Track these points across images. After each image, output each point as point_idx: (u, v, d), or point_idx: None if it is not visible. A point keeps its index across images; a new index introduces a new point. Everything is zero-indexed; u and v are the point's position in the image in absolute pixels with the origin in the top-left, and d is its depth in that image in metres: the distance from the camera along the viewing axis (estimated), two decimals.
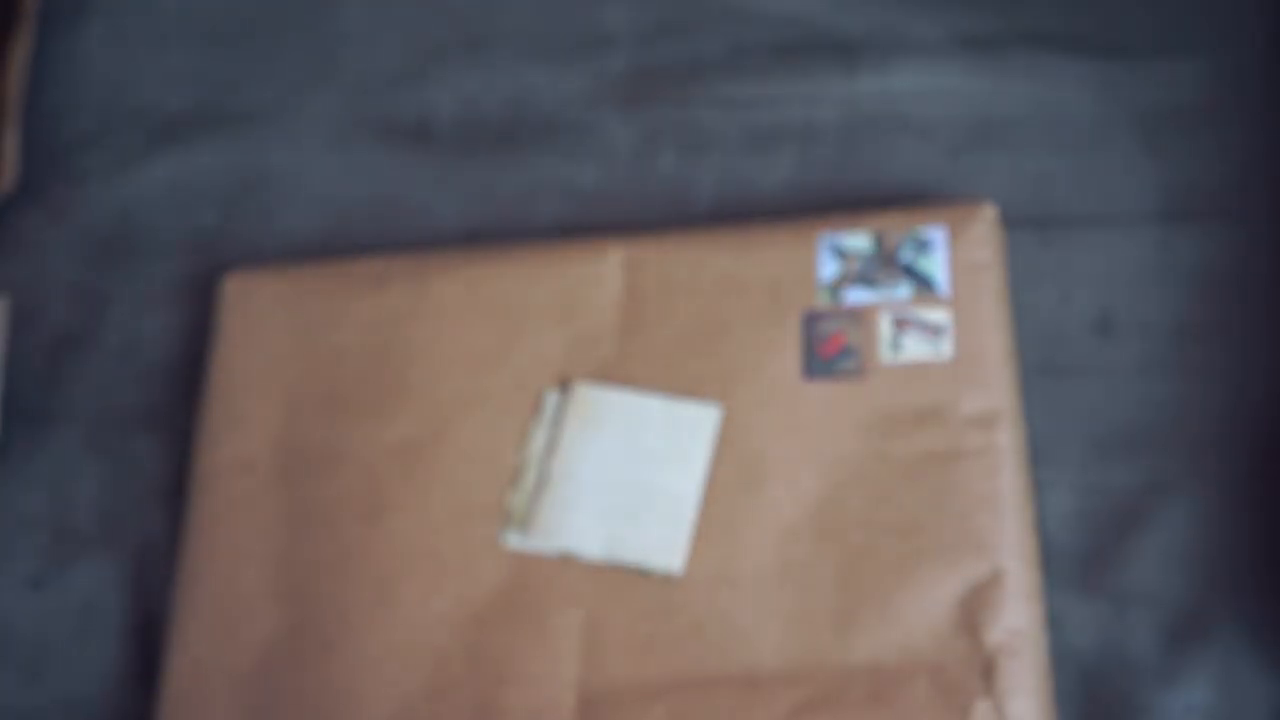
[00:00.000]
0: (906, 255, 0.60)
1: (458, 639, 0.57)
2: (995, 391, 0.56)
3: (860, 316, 0.59)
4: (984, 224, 0.60)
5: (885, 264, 0.60)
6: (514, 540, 0.59)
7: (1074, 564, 0.57)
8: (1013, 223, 0.62)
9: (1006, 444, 0.55)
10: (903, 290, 0.59)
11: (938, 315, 0.58)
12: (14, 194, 0.74)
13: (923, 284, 0.59)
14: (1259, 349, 0.59)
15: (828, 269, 0.60)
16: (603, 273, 0.63)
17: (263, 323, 0.66)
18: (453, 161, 0.72)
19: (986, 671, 0.52)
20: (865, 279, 0.60)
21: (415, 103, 0.74)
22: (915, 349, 0.58)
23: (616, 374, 0.61)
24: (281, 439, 0.63)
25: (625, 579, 0.57)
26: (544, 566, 0.58)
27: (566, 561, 0.58)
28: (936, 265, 0.59)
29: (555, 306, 0.63)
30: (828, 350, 0.59)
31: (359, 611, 0.59)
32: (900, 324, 0.58)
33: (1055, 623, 0.55)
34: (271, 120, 0.75)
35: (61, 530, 0.66)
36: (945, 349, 0.57)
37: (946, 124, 0.66)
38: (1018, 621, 0.53)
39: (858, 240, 0.61)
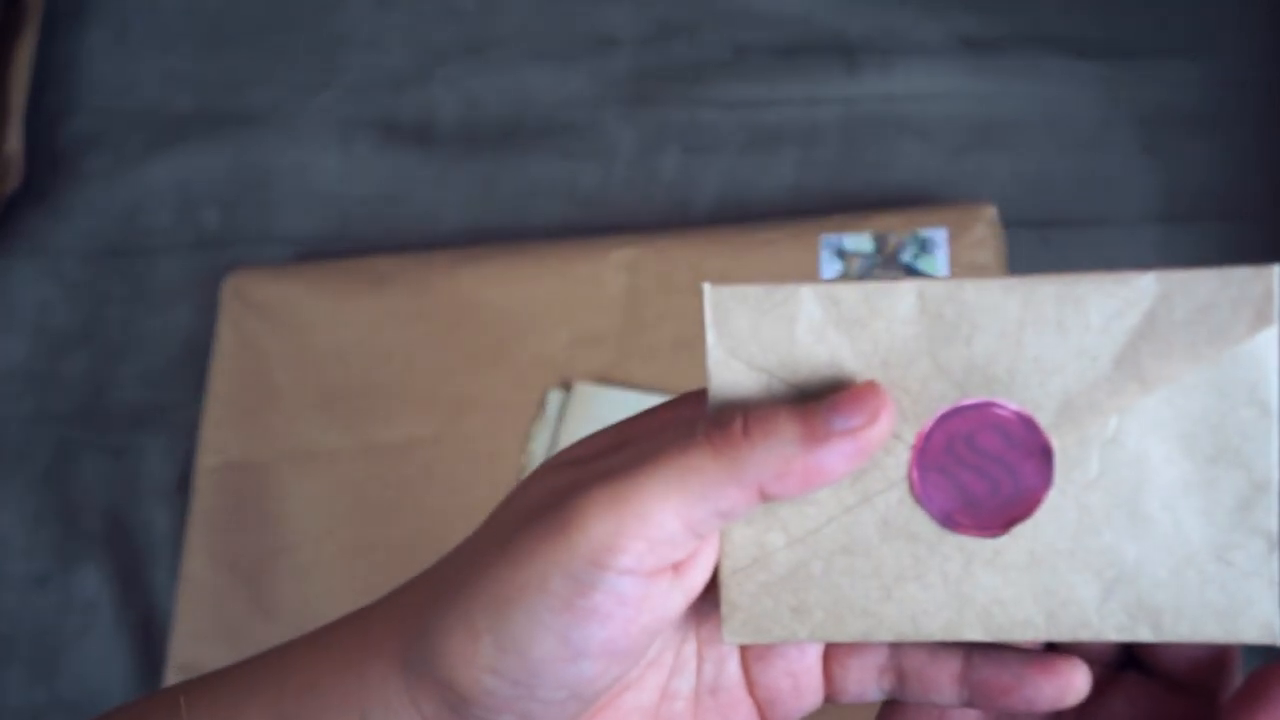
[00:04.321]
0: (907, 255, 0.60)
1: None
2: None
3: None
4: (984, 225, 0.59)
5: (886, 264, 0.60)
6: None
7: None
8: (1013, 223, 0.62)
9: None
10: None
11: None
12: (17, 194, 0.74)
13: None
14: None
15: (829, 269, 0.60)
16: (603, 273, 0.63)
17: (263, 323, 0.66)
18: (454, 161, 0.72)
19: None
20: (866, 279, 0.60)
21: (417, 103, 0.74)
22: None
23: (617, 374, 0.61)
24: (282, 439, 0.63)
25: None
26: None
27: None
28: (937, 265, 0.59)
29: (556, 306, 0.63)
30: None
31: None
32: None
33: None
34: (273, 121, 0.75)
35: (64, 529, 0.66)
36: None
37: (948, 125, 0.66)
38: None
39: (859, 240, 0.60)
